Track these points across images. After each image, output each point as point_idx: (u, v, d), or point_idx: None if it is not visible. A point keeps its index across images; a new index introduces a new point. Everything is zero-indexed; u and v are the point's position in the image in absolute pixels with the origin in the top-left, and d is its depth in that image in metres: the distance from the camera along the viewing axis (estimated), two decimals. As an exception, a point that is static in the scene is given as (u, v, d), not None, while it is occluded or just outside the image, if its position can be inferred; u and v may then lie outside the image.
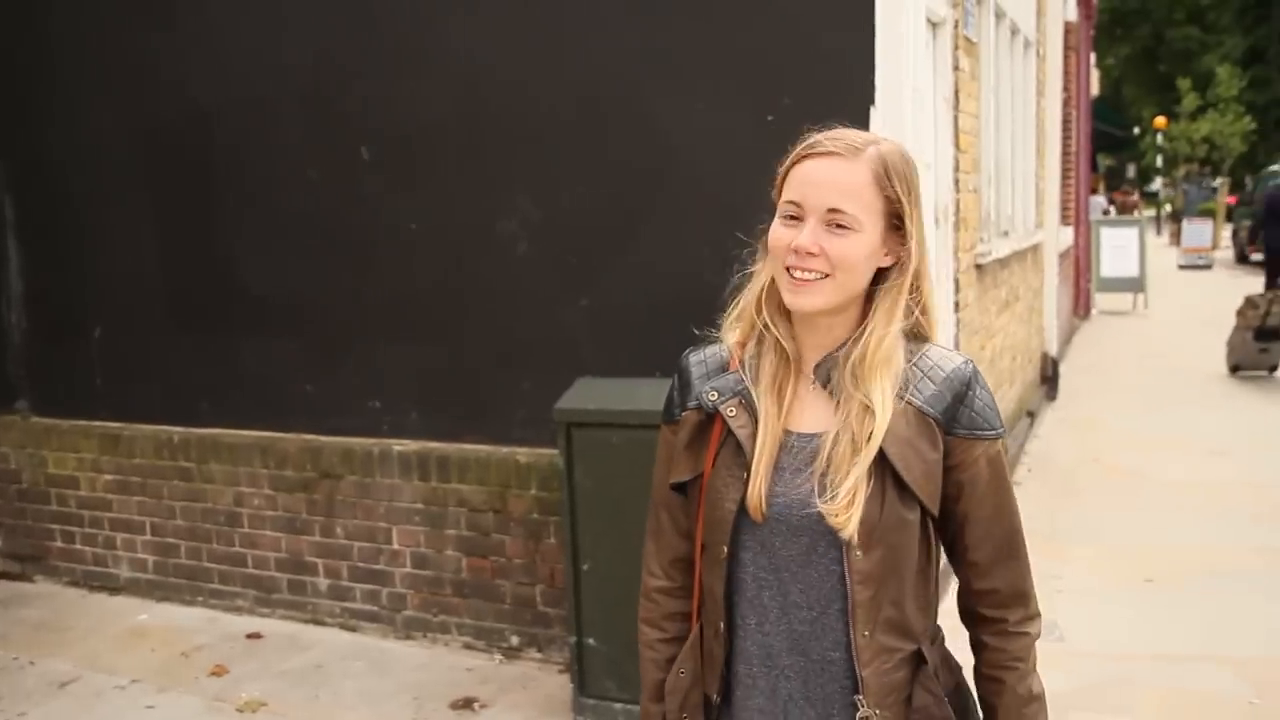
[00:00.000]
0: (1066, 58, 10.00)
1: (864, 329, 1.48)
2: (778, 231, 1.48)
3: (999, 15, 6.30)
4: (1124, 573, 4.93)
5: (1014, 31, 6.91)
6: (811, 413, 1.51)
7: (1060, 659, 3.92)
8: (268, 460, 4.61)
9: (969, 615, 1.58)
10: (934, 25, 4.58)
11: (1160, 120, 39.33)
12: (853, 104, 3.45)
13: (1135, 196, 37.03)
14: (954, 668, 1.60)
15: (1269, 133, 42.03)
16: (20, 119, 5.16)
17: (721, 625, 1.55)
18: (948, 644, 1.61)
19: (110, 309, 5.04)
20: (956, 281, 4.94)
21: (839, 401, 1.47)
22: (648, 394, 3.44)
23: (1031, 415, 7.78)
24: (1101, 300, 15.38)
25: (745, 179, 3.62)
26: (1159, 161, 40.27)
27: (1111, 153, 37.51)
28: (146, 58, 4.76)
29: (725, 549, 1.52)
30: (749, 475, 1.49)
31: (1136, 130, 38.55)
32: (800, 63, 3.59)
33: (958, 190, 4.95)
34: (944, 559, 1.58)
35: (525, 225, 4.03)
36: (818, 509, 1.44)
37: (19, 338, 5.32)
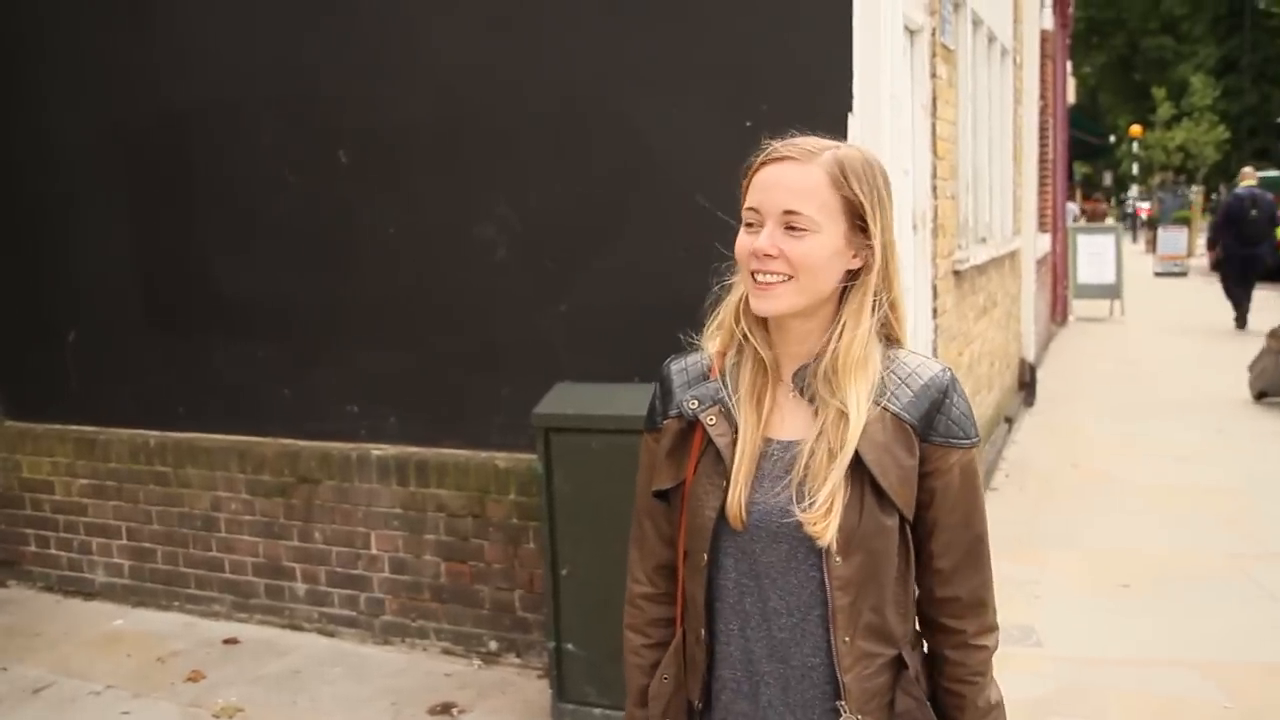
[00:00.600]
0: (1043, 66, 10.08)
1: (834, 330, 1.50)
2: (741, 240, 1.50)
3: (976, 23, 6.35)
4: (1101, 578, 4.97)
5: (991, 39, 6.96)
6: (791, 420, 1.52)
7: (1037, 663, 3.95)
8: (245, 465, 4.58)
9: (928, 624, 1.59)
10: (911, 33, 4.61)
11: (1136, 129, 39.72)
12: (830, 110, 3.47)
13: (1104, 205, 37.71)
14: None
15: (1242, 141, 42.53)
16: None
17: (703, 631, 1.56)
18: None
19: (84, 312, 5.00)
20: (934, 288, 4.96)
21: (817, 409, 1.49)
22: (626, 399, 3.45)
23: (1009, 421, 7.83)
24: (1079, 307, 15.49)
25: (723, 185, 3.62)
26: (1135, 169, 40.65)
27: (1088, 160, 37.84)
28: (119, 58, 4.73)
29: (706, 556, 1.52)
30: (729, 483, 1.49)
31: (1112, 138, 38.91)
32: (778, 69, 3.60)
33: (935, 197, 4.98)
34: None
35: (503, 229, 4.03)
36: (796, 517, 1.45)
37: (-8, 341, 5.27)
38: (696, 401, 1.55)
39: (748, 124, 3.52)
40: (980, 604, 1.56)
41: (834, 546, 1.44)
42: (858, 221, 1.48)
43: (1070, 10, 14.93)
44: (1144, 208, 35.66)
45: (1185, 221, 25.73)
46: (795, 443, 1.49)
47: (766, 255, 1.45)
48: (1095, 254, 15.05)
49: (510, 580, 4.06)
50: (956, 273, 5.56)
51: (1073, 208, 26.16)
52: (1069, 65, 16.00)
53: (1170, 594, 4.75)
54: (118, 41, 4.72)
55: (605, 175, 3.87)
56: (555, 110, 3.91)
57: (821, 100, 3.51)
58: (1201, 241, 25.25)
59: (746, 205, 1.50)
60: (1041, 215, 10.40)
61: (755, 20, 3.63)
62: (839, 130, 3.42)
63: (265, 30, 4.39)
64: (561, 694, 3.59)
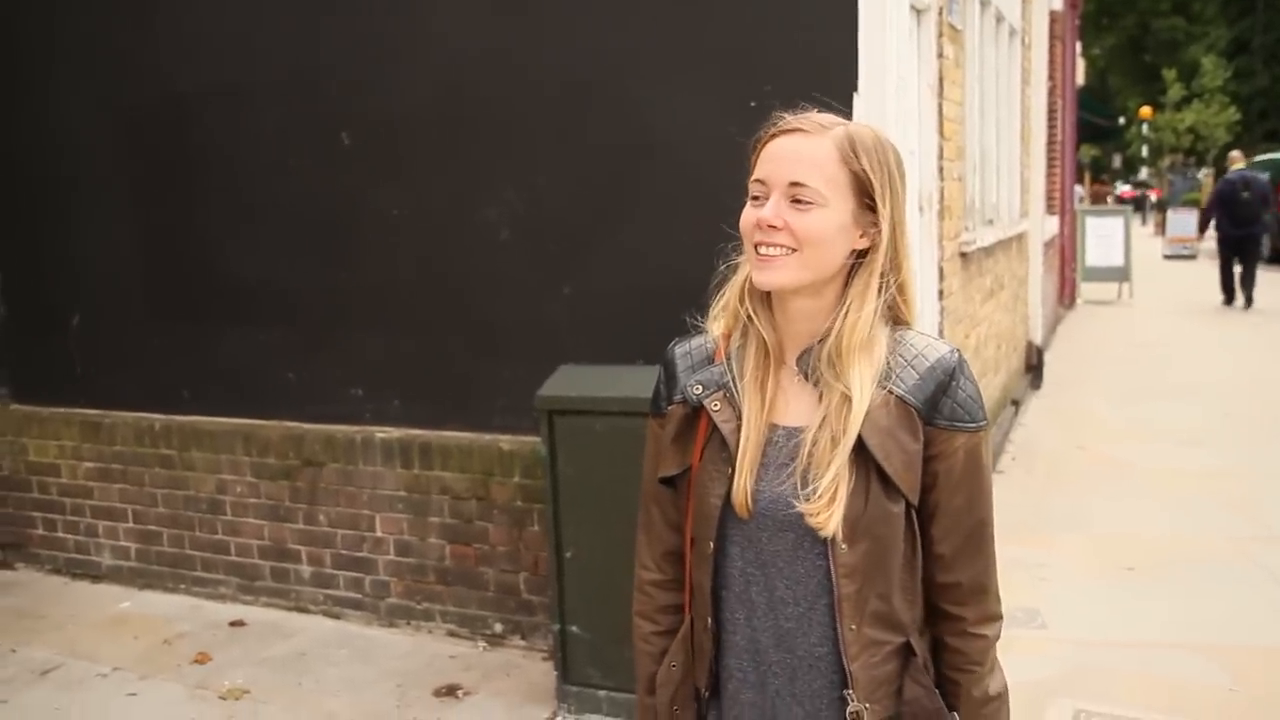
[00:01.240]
0: (1052, 47, 9.99)
1: (839, 312, 1.46)
2: (746, 213, 1.47)
3: (984, 3, 6.29)
4: (1107, 560, 4.96)
5: (999, 19, 6.90)
6: (795, 405, 1.49)
7: (1042, 645, 3.94)
8: (250, 448, 4.59)
9: (929, 610, 1.54)
10: (918, 11, 4.57)
11: (1145, 110, 39.46)
12: (836, 89, 3.43)
13: (1109, 188, 37.87)
14: None
15: (1253, 124, 42.24)
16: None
17: (710, 619, 1.54)
18: None
19: (88, 297, 5.00)
20: (941, 270, 4.94)
21: (821, 393, 1.46)
22: (630, 381, 3.44)
23: (1016, 404, 7.80)
24: (1087, 290, 15.42)
25: (727, 165, 3.60)
26: (1144, 152, 40.41)
27: (1097, 142, 37.66)
28: (121, 44, 4.71)
29: (712, 544, 1.50)
30: (734, 470, 1.47)
31: (1122, 120, 38.69)
32: (783, 48, 3.57)
33: (942, 178, 4.95)
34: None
35: (507, 212, 4.01)
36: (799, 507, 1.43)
37: (-2, 325, 5.28)
38: (700, 387, 1.52)
39: (752, 104, 3.49)
40: (981, 590, 1.52)
41: (839, 535, 1.41)
42: (866, 200, 1.45)
43: (1080, -9, 14.81)
44: (1126, 190, 35.74)
45: (1195, 204, 25.58)
46: (800, 429, 1.46)
47: (770, 226, 1.42)
48: (1104, 237, 14.99)
49: (515, 563, 4.06)
50: (963, 255, 5.53)
51: (1079, 190, 26.07)
52: (1078, 46, 15.88)
53: (1175, 577, 4.74)
54: (120, 26, 4.70)
55: (608, 157, 3.85)
56: (559, 92, 3.88)
57: (827, 79, 3.47)
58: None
59: (753, 177, 1.47)
60: (1050, 197, 10.35)
61: (759, 0, 3.60)
62: (844, 110, 3.39)
63: (268, 15, 4.36)
64: (566, 676, 3.59)
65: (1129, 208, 18.02)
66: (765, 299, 1.50)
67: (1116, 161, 45.93)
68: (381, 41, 4.15)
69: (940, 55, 4.87)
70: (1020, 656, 3.53)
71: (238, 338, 4.62)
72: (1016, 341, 8.26)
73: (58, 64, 4.90)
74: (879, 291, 1.47)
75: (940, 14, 4.85)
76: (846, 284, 1.48)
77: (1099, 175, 42.88)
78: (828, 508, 1.40)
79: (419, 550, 4.25)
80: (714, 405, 1.50)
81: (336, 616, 4.47)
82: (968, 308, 5.76)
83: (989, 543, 1.53)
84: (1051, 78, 10.06)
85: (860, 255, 1.48)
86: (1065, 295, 13.94)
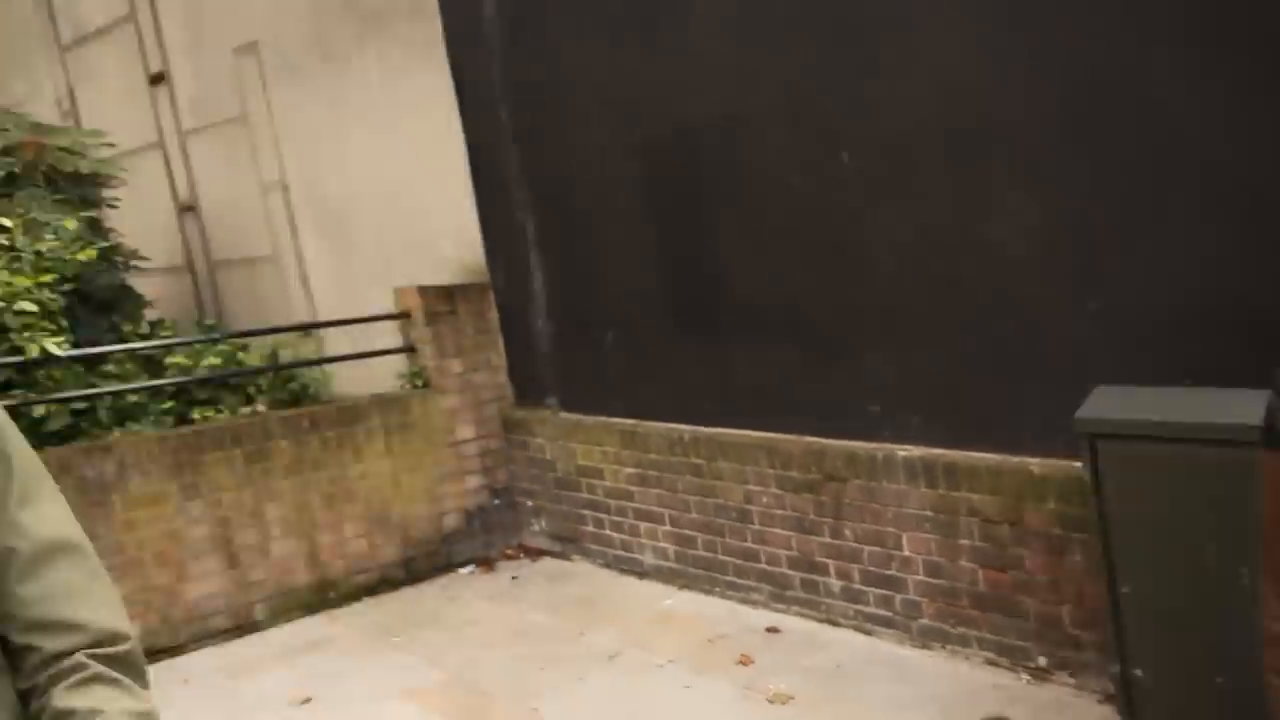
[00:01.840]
0: None
1: None
2: None
3: None
4: None
5: None
6: None
7: None
8: (773, 460, 4.77)
9: None
10: None
11: None
12: None
13: None
14: None
15: None
16: (538, 149, 5.71)
17: None
18: None
19: (620, 315, 5.46)
20: None
21: None
22: (1179, 404, 3.15)
23: None
24: None
25: (1263, 161, 3.11)
26: None
27: None
28: (636, 80, 5.05)
29: None
30: None
31: None
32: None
33: None
34: None
35: (1018, 225, 3.77)
36: None
37: (546, 342, 5.95)
38: None
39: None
40: None
41: None
42: None
43: None
44: None
45: None
46: None
47: None
48: None
49: (1056, 593, 3.85)
50: None
51: None
52: None
53: None
54: (634, 64, 5.03)
55: (1126, 162, 3.46)
56: (1058, 99, 3.56)
57: None
58: None
59: None
60: None
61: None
62: None
63: (769, 45, 4.43)
64: (1130, 724, 3.36)
65: None
66: None
67: None
68: (878, 63, 4.06)
69: None
70: None
71: (753, 353, 4.81)
72: None
73: (582, 103, 5.36)
74: None
75: None
76: None
77: None
78: None
79: (949, 572, 4.18)
80: None
81: (867, 633, 4.53)
82: None
83: None
84: None
85: None
86: None
